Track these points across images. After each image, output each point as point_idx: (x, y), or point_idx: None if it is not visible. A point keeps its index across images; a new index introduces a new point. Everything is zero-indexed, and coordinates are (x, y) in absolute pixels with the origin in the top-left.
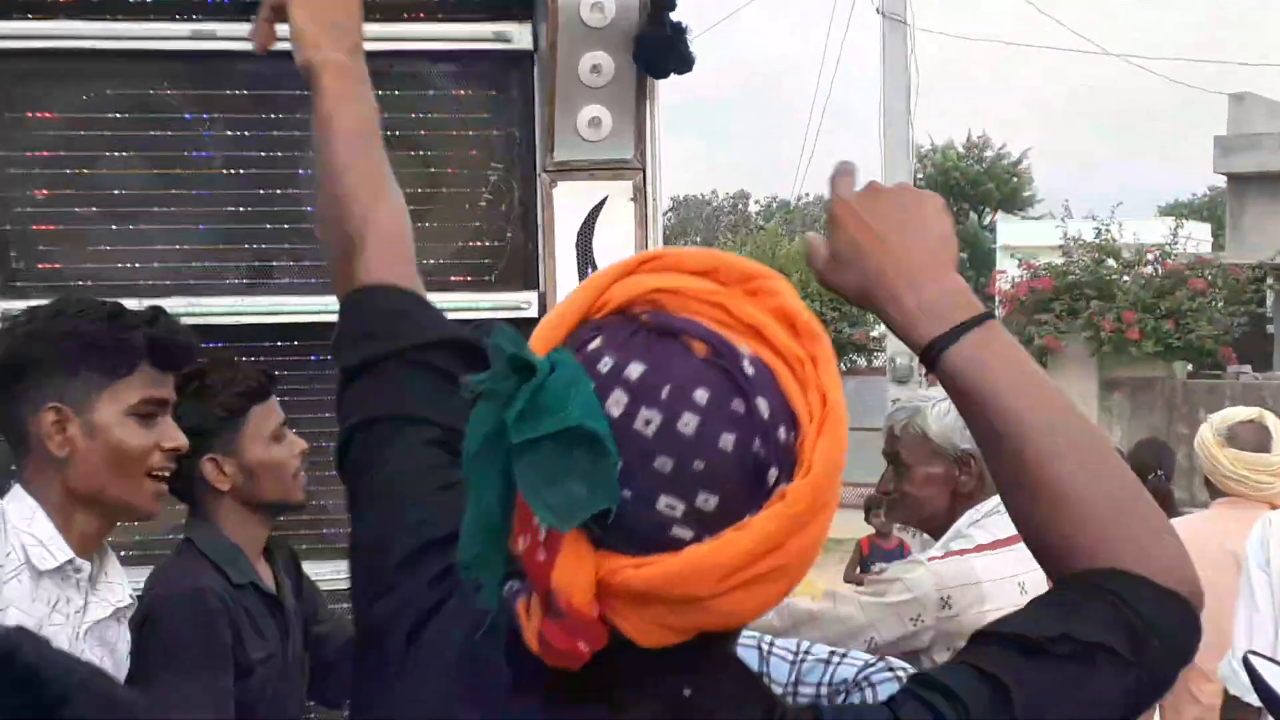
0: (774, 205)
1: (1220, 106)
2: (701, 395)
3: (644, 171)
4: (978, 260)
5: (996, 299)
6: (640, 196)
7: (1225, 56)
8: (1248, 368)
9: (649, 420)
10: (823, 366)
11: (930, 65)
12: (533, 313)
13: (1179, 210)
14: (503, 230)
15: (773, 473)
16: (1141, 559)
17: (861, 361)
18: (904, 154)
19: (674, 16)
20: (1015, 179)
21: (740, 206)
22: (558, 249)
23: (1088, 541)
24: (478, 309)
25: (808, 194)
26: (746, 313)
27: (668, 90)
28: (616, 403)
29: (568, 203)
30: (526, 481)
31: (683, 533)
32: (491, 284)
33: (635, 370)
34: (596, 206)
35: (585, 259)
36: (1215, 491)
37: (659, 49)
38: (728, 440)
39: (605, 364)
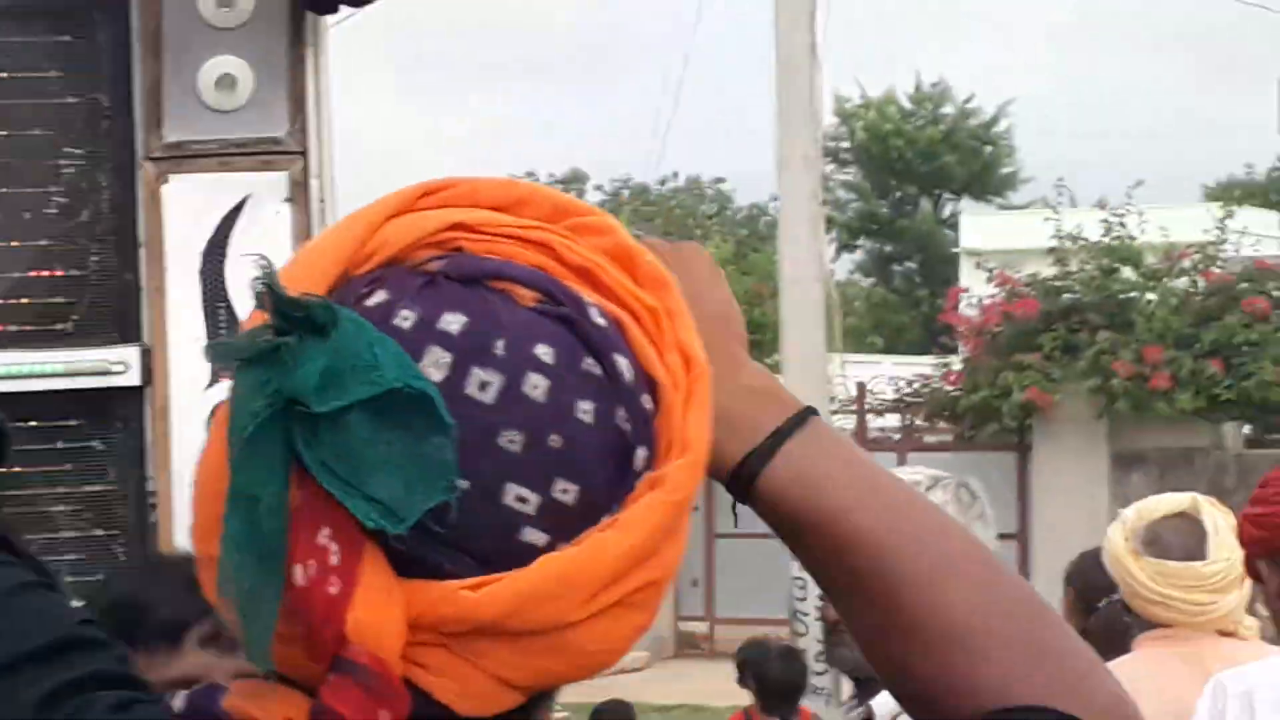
0: (625, 191)
1: None
2: (545, 351)
3: (306, 156)
4: (931, 271)
5: (958, 329)
6: (302, 195)
7: None
8: None
9: (485, 383)
10: (679, 320)
11: None
12: (132, 379)
13: (1230, 192)
14: (84, 252)
15: (640, 453)
16: (1066, 695)
17: None
18: (808, 112)
19: None
20: (989, 149)
21: (575, 192)
22: (171, 280)
23: (996, 675)
24: (43, 374)
25: (673, 174)
26: (577, 253)
27: (443, 33)
28: (436, 363)
29: (185, 207)
30: (331, 471)
31: (535, 536)
32: (67, 336)
33: (452, 322)
34: (232, 212)
35: (215, 294)
36: (1139, 621)
37: None
38: (586, 409)
39: (405, 318)
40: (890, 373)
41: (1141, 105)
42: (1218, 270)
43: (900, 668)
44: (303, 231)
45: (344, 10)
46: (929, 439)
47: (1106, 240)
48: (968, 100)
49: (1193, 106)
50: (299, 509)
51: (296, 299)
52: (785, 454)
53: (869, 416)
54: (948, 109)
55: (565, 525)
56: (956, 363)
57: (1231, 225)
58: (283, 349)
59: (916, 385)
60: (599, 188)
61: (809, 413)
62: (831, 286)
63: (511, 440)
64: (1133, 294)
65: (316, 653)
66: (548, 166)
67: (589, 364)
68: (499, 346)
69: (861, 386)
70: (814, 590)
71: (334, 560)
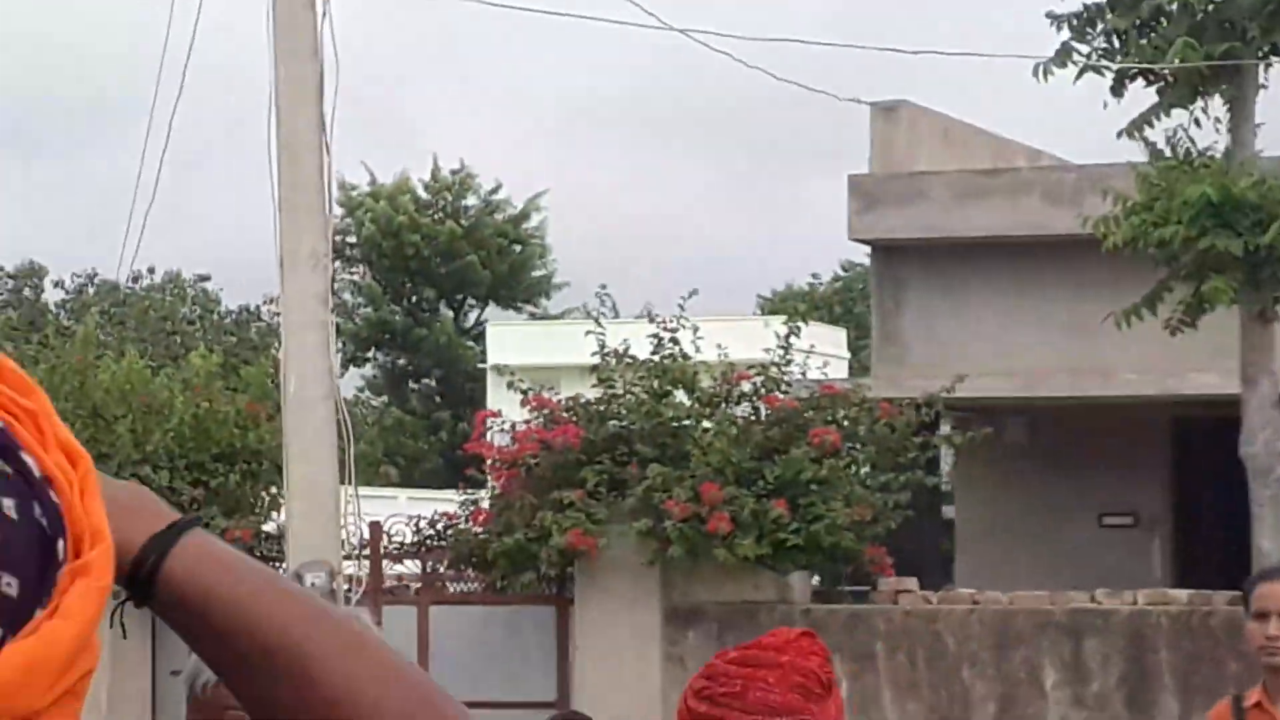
0: (90, 288)
1: (858, 124)
2: None
3: None
4: (453, 389)
5: (487, 460)
6: None
7: (864, 38)
8: (913, 581)
9: None
10: (51, 419)
11: (362, 50)
12: None
13: (789, 305)
14: None
15: (60, 545)
16: None
17: None
18: (315, 201)
19: None
20: (519, 247)
21: (29, 290)
22: None
23: None
24: None
25: (149, 270)
26: None
27: None
28: None
29: None
30: None
31: None
32: None
33: None
34: None
35: None
36: None
37: None
38: (9, 505)
39: None
40: (407, 510)
41: (692, 201)
42: (782, 395)
43: None
44: None
45: None
46: (455, 589)
47: (657, 358)
48: (494, 191)
49: (749, 205)
50: None
51: None
52: (189, 539)
53: (385, 563)
54: (470, 200)
55: (15, 618)
56: (485, 499)
57: (796, 343)
58: None
59: (440, 526)
60: (59, 284)
61: (196, 520)
62: (342, 408)
63: None
64: (687, 421)
65: None
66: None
67: None
68: None
69: (376, 527)
70: None
71: None
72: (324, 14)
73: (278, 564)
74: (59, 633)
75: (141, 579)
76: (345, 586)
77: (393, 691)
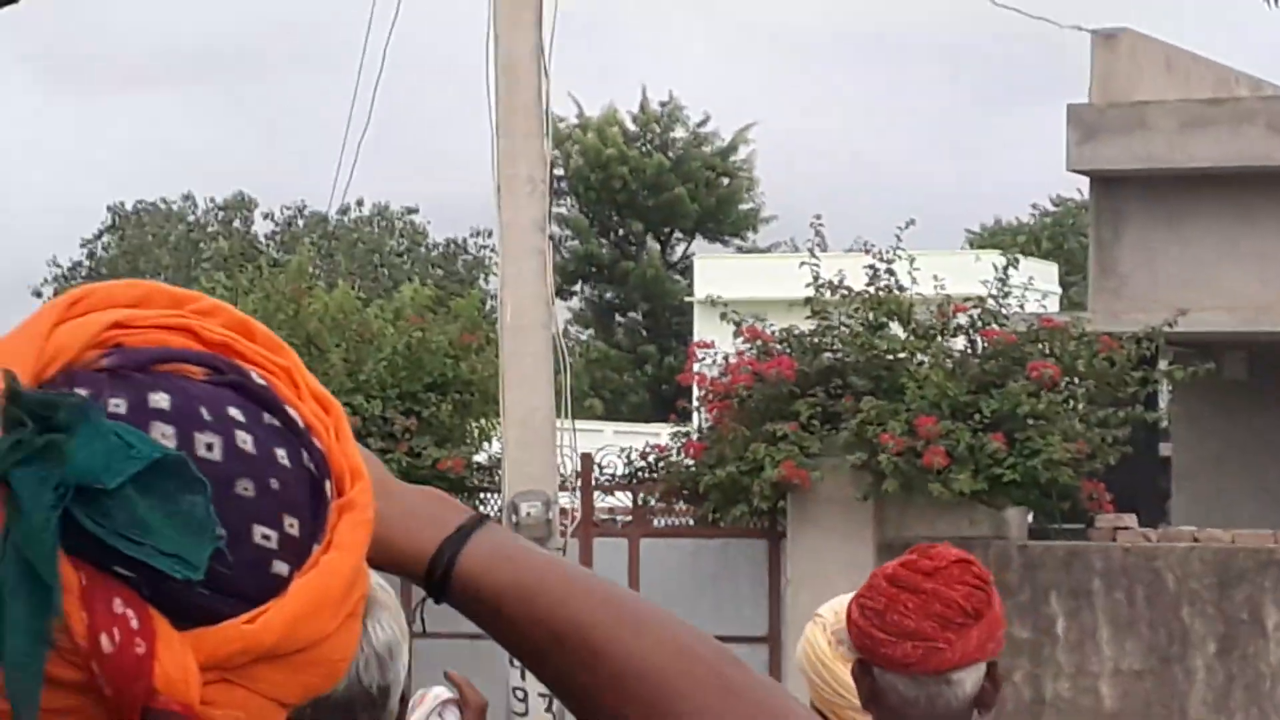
0: (299, 221)
1: (1078, 51)
2: (237, 412)
3: None
4: (659, 323)
5: (696, 391)
6: None
7: None
8: (1131, 518)
9: (210, 444)
10: (303, 373)
11: None
12: None
13: (1002, 238)
14: None
15: (328, 485)
16: None
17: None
18: (533, 126)
19: None
20: (727, 180)
21: (239, 222)
22: None
23: (693, 715)
24: None
25: (357, 203)
26: (212, 330)
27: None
28: (163, 435)
29: None
30: (129, 539)
31: (281, 568)
32: None
33: (160, 400)
34: None
35: None
36: None
37: None
38: (283, 454)
39: (117, 405)
40: (614, 443)
41: (901, 134)
42: (1000, 329)
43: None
44: None
45: None
46: (665, 522)
47: (872, 290)
48: (702, 123)
49: (958, 137)
50: (87, 588)
51: (48, 397)
52: (478, 538)
53: (595, 495)
54: (679, 132)
55: (300, 555)
56: (697, 433)
57: (1015, 277)
58: (55, 444)
59: (651, 458)
60: (268, 215)
61: (485, 517)
62: (559, 337)
63: (245, 488)
64: (902, 354)
65: (126, 709)
66: (209, 189)
67: (268, 418)
68: (205, 413)
69: (587, 459)
70: (535, 701)
71: (134, 624)
72: None
73: (491, 494)
74: (336, 564)
75: (437, 580)
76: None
77: (681, 664)
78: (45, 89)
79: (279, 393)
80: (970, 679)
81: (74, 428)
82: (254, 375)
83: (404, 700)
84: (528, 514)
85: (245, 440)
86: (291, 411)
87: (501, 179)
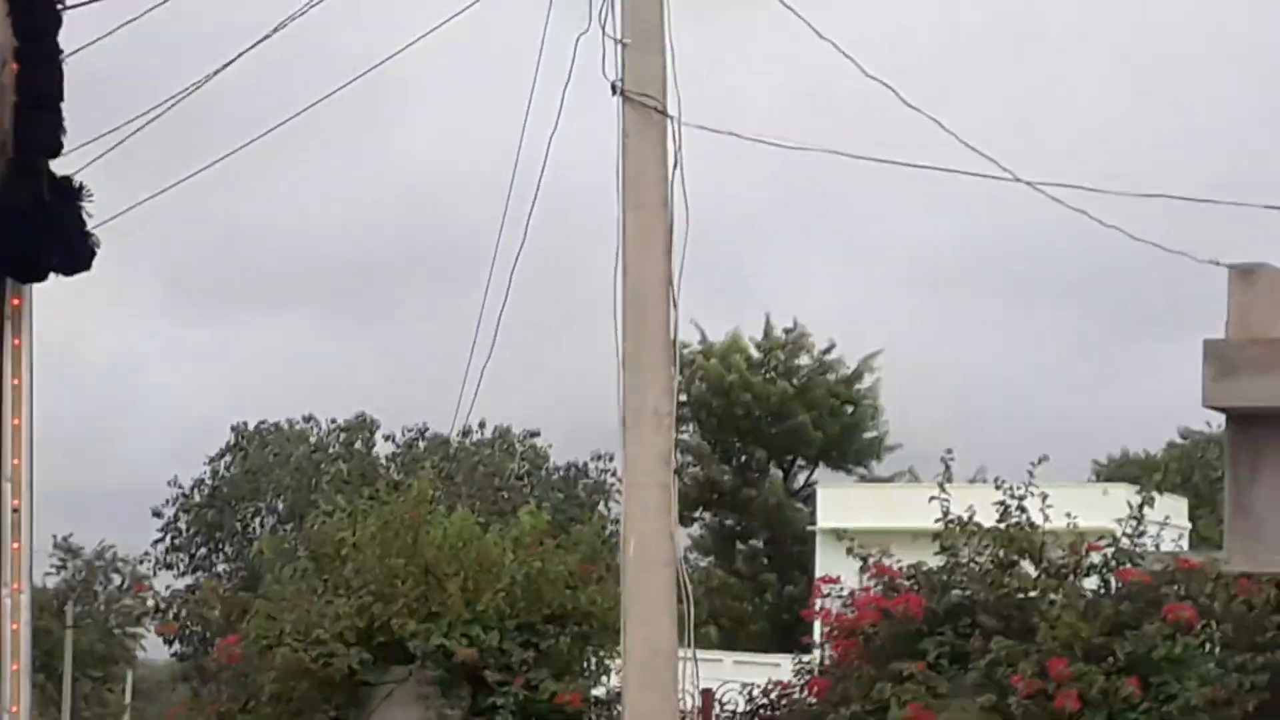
0: (420, 443)
1: (1213, 286)
2: None
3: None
4: (780, 551)
5: (820, 626)
6: None
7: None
8: None
9: None
10: None
11: (701, 200)
12: None
13: (1130, 470)
14: None
15: None
16: None
17: None
18: (661, 358)
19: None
20: (851, 408)
21: (361, 444)
22: None
23: None
24: None
25: (479, 426)
26: None
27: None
28: None
29: None
30: None
31: None
32: None
33: None
34: None
35: None
36: None
37: (25, 231)
38: None
39: None
40: (733, 674)
41: (1023, 364)
42: (1136, 568)
43: None
44: None
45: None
46: None
47: (1003, 526)
48: (827, 350)
49: (1082, 367)
50: None
51: None
52: None
53: None
54: (803, 359)
55: None
56: (819, 668)
57: (1150, 514)
58: None
59: (774, 694)
60: (389, 437)
61: None
62: (684, 573)
63: None
64: (1033, 593)
65: None
66: (332, 410)
67: None
68: None
69: (708, 695)
70: None
71: None
72: (675, 164)
73: None
74: None
75: None
76: None
77: None
78: (180, 307)
79: None
80: None
81: None
82: None
83: None
84: None
85: None
86: None
87: (627, 411)
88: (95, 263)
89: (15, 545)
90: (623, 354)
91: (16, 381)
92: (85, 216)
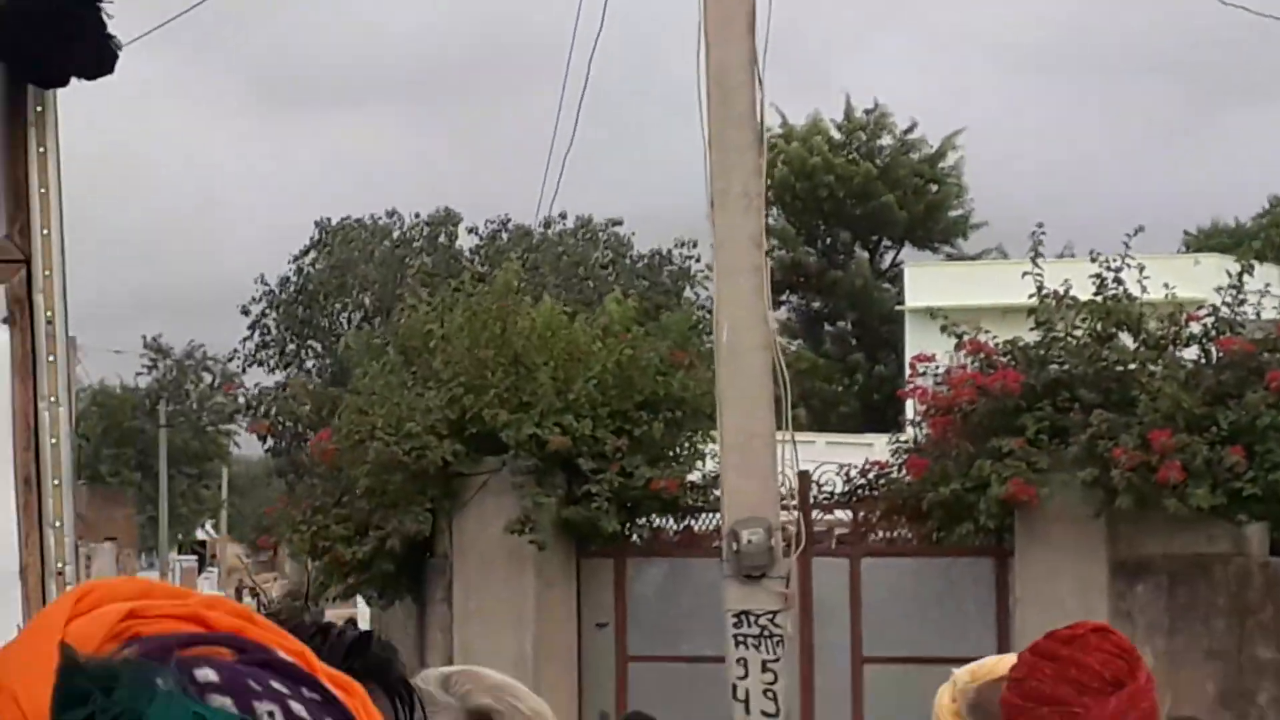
0: (503, 234)
1: None
2: (279, 684)
3: (30, 264)
4: (868, 332)
5: (918, 405)
6: (24, 313)
7: None
8: None
9: (270, 712)
10: (313, 658)
11: None
12: None
13: (1220, 240)
14: None
15: None
16: None
17: (671, 525)
18: (748, 138)
19: None
20: (935, 187)
21: (444, 237)
22: None
23: None
24: None
25: (561, 216)
26: (221, 618)
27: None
28: (223, 706)
29: None
30: None
31: None
32: None
33: (207, 674)
34: None
35: None
36: None
37: (43, 34)
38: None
39: (164, 683)
40: (825, 455)
41: (1110, 137)
42: (1239, 336)
43: None
44: (23, 359)
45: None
46: (887, 541)
47: (1099, 299)
48: (909, 130)
49: (1169, 138)
50: None
51: (110, 666)
52: None
53: (814, 513)
54: (885, 140)
55: None
56: (915, 447)
57: (1250, 283)
58: (133, 714)
59: (871, 474)
60: (473, 230)
61: None
62: (779, 356)
63: None
64: (1132, 365)
65: None
66: (414, 204)
67: (306, 691)
68: (253, 684)
69: (805, 477)
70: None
71: None
72: None
73: (706, 514)
74: None
75: None
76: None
77: None
78: (257, 106)
79: (308, 667)
80: None
81: (143, 698)
82: (278, 653)
83: None
84: (749, 542)
85: (299, 708)
86: (326, 684)
87: (715, 193)
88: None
89: (50, 358)
90: (708, 135)
91: (44, 190)
92: (105, 18)
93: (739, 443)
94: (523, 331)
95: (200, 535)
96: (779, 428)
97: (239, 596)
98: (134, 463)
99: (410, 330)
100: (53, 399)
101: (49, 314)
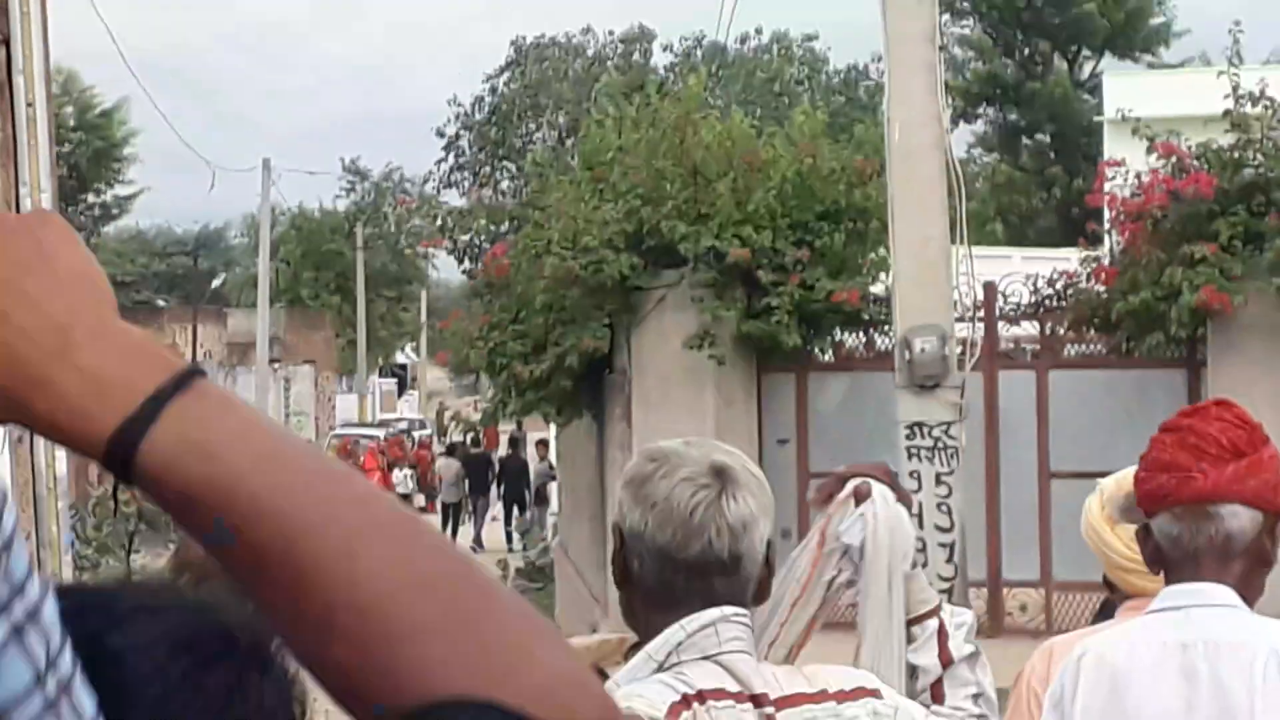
0: (697, 51)
1: None
2: None
3: (8, 46)
4: (1067, 144)
5: (1108, 212)
6: (3, 94)
7: None
8: None
9: None
10: None
11: None
12: None
13: None
14: None
15: None
16: (492, 678)
17: (854, 341)
18: None
19: None
20: None
21: (639, 53)
22: None
23: (415, 660)
24: None
25: (756, 31)
26: None
27: None
28: None
29: None
30: None
31: None
32: None
33: None
34: None
35: None
36: (1117, 592)
37: None
38: None
39: None
40: (1021, 269)
41: None
42: None
43: (321, 660)
44: (3, 144)
45: None
46: (1076, 352)
47: None
48: None
49: None
50: None
51: None
52: (168, 418)
53: (1000, 325)
54: None
55: None
56: (1107, 256)
57: None
58: None
59: (1059, 285)
60: (667, 48)
61: (194, 373)
62: (953, 158)
63: None
64: None
65: None
66: (606, 21)
67: None
68: None
69: (990, 288)
70: None
71: None
72: None
73: (889, 328)
74: None
75: (116, 462)
76: (959, 350)
77: (409, 598)
78: None
79: None
80: (1235, 520)
81: None
82: None
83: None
84: (922, 350)
85: None
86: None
87: None
88: None
89: (31, 143)
90: None
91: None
92: None
93: (912, 249)
94: (703, 143)
95: (400, 358)
96: (954, 238)
97: (439, 419)
98: (332, 286)
99: (593, 145)
100: (35, 187)
101: (30, 98)
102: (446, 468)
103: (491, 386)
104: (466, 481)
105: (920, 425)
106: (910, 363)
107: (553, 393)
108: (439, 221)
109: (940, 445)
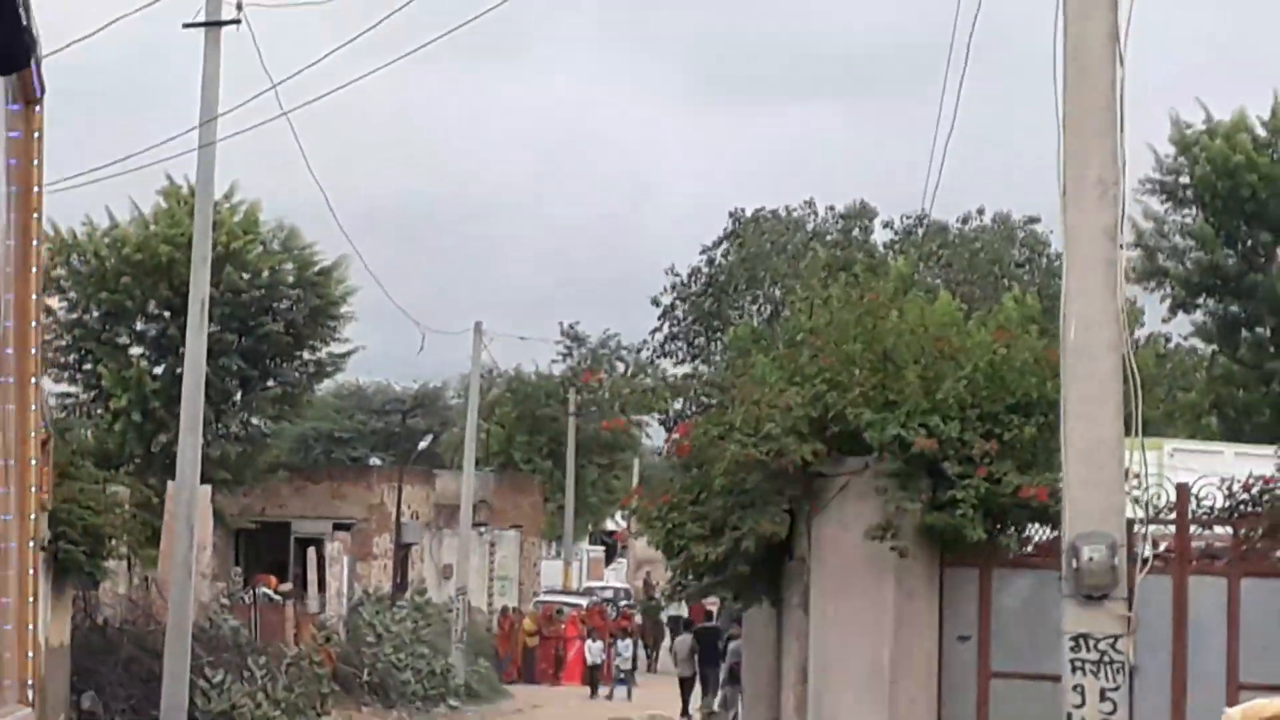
0: (918, 230)
1: None
2: None
3: None
4: None
5: None
6: None
7: None
8: None
9: None
10: None
11: None
12: None
13: None
14: None
15: None
16: None
17: (1041, 538)
18: (1105, 121)
19: None
20: None
21: (858, 229)
22: None
23: None
24: None
25: (978, 212)
26: None
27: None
28: None
29: None
30: None
31: None
32: None
33: None
34: None
35: None
36: None
37: None
38: None
39: None
40: (1233, 466)
41: None
42: None
43: None
44: None
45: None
46: (1270, 561)
47: None
48: None
49: None
50: None
51: None
52: None
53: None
54: None
55: None
56: None
57: None
58: None
59: (1255, 490)
60: (888, 225)
61: None
62: (1130, 355)
63: None
64: None
65: None
66: (830, 196)
67: None
68: None
69: (1183, 490)
70: None
71: None
72: None
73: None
74: None
75: None
76: (1144, 554)
77: None
78: (685, 98)
79: None
80: None
81: None
82: None
83: None
84: (1090, 559)
85: None
86: None
87: (1068, 180)
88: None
89: None
90: (1062, 117)
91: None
92: (21, 12)
93: (1083, 450)
94: (895, 329)
95: (610, 525)
96: (1128, 434)
97: (647, 589)
98: (545, 450)
99: (792, 325)
100: None
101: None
102: (681, 644)
103: (668, 568)
104: (696, 656)
105: (1085, 637)
106: (1077, 571)
107: (730, 577)
108: (644, 394)
109: (1106, 659)
